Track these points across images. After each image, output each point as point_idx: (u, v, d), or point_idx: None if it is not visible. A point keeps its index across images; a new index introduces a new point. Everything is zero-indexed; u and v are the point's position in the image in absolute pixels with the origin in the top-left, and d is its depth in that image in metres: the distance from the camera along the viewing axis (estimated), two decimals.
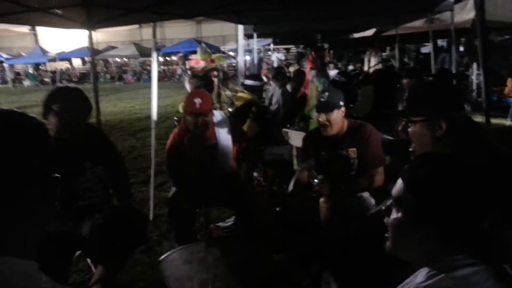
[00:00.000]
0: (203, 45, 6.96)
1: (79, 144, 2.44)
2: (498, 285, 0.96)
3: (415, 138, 1.70)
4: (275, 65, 16.25)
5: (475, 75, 10.27)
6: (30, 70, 30.57)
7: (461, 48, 12.59)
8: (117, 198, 2.77)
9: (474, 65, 10.13)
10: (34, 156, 0.89)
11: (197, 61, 6.48)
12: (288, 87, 6.47)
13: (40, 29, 32.88)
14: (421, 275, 1.04)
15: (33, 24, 16.00)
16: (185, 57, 7.25)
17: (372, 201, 2.84)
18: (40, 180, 0.89)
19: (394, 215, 1.11)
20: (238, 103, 5.43)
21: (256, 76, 7.38)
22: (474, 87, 10.29)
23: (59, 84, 23.52)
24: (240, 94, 5.73)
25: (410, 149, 1.75)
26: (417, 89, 2.16)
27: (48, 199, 0.93)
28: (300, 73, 6.43)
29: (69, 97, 2.42)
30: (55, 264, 2.01)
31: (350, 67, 14.52)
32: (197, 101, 2.99)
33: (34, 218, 0.89)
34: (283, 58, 22.42)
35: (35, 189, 0.88)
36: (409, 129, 1.71)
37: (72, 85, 27.49)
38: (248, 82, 6.06)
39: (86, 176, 2.53)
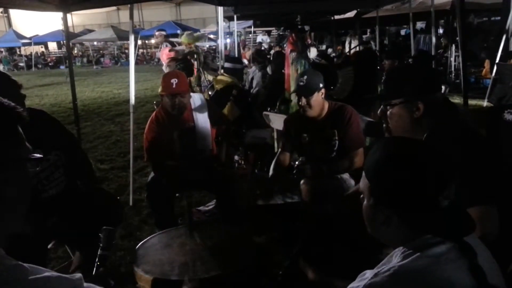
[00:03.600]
0: (192, 32, 6.80)
1: (24, 133, 2.26)
2: (467, 262, 0.97)
3: (393, 120, 1.70)
4: (263, 47, 16.11)
5: (454, 56, 10.39)
6: (4, 54, 29.70)
7: (440, 30, 12.71)
8: (81, 182, 2.66)
9: (453, 47, 10.24)
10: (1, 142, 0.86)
11: (168, 54, 6.32)
12: (268, 69, 6.44)
13: (13, 12, 31.83)
14: (396, 255, 1.05)
15: (5, 6, 15.45)
16: (166, 36, 7.02)
17: (352, 182, 2.86)
18: (8, 166, 0.87)
19: (364, 200, 1.15)
20: (218, 86, 5.39)
21: (237, 59, 7.32)
22: (452, 68, 10.42)
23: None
24: (220, 77, 5.68)
25: (384, 129, 1.75)
26: (394, 72, 2.18)
27: (20, 184, 0.90)
28: (280, 55, 6.39)
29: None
30: (29, 253, 1.96)
31: (330, 50, 14.51)
32: (174, 81, 2.98)
33: (3, 204, 0.86)
34: (268, 40, 22.17)
35: (3, 175, 0.86)
36: (388, 112, 1.72)
37: (48, 69, 26.69)
38: (228, 65, 6.00)
39: (41, 166, 2.36)
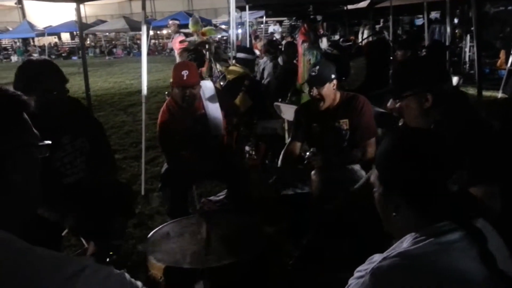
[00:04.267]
0: (195, 15, 6.80)
1: (57, 118, 2.31)
2: (478, 248, 0.97)
3: (404, 112, 1.73)
4: (275, 38, 16.01)
5: (468, 47, 10.20)
6: (18, 45, 30.01)
7: (455, 20, 12.47)
8: (101, 172, 2.66)
9: (467, 37, 10.06)
10: (4, 129, 0.88)
11: (182, 44, 6.30)
12: (280, 60, 6.40)
13: (27, 3, 32.08)
14: (407, 240, 1.05)
15: None
16: (179, 27, 7.11)
17: (363, 173, 2.85)
18: (13, 152, 0.88)
19: (376, 190, 1.17)
20: (230, 77, 5.38)
21: (249, 50, 7.28)
22: (467, 59, 10.25)
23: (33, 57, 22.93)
24: (232, 67, 5.66)
25: (400, 124, 1.77)
26: (401, 66, 2.19)
27: (27, 170, 0.91)
28: (291, 46, 6.35)
29: (48, 77, 2.25)
30: (43, 240, 2.00)
31: (341, 40, 14.35)
32: (185, 73, 2.96)
33: (10, 189, 0.88)
34: (280, 30, 21.99)
35: (9, 161, 0.87)
36: (398, 104, 1.74)
37: (61, 60, 26.91)
38: (240, 55, 5.97)
39: (66, 150, 2.43)
